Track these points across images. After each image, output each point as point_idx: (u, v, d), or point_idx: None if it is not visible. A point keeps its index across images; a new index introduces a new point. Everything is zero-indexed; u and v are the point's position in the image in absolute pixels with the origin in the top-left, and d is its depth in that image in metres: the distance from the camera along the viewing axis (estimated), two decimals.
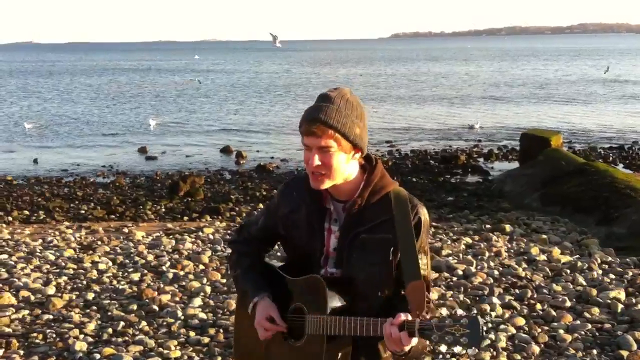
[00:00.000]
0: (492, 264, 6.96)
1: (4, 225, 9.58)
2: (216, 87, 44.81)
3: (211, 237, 8.47)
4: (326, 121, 2.17)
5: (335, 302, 2.22)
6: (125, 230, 9.07)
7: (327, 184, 2.26)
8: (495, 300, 5.74)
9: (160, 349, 4.88)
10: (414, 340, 2.06)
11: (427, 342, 2.10)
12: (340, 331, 2.16)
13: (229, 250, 2.67)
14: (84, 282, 6.46)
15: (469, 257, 7.18)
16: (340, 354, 2.23)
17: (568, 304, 5.69)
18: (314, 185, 2.27)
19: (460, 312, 2.01)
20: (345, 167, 2.25)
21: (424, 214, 2.31)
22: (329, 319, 2.18)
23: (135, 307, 5.73)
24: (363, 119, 2.26)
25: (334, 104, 2.21)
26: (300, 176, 2.44)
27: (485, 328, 1.95)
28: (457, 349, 1.95)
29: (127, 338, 5.09)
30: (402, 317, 2.06)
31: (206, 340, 5.05)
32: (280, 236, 2.47)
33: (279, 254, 5.78)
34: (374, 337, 2.15)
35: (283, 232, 2.44)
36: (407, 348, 2.07)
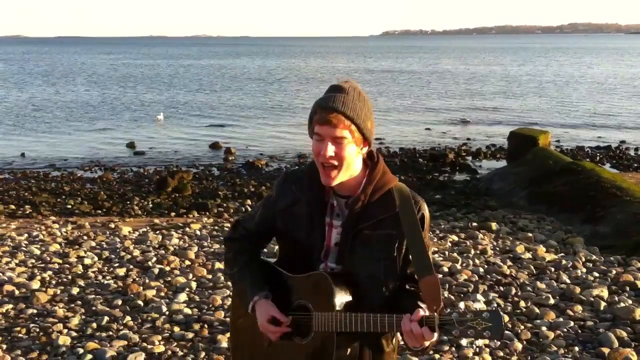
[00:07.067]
0: (477, 261, 6.99)
1: None
2: (207, 79, 44.71)
3: (198, 233, 8.45)
4: (343, 111, 2.13)
5: (343, 298, 2.18)
6: (112, 225, 9.03)
7: (337, 180, 2.21)
8: (479, 297, 5.75)
9: (144, 344, 4.86)
10: (435, 335, 2.04)
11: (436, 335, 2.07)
12: (352, 328, 2.12)
13: (225, 248, 2.58)
14: (69, 277, 6.43)
15: (455, 254, 7.21)
16: (349, 350, 2.20)
17: (551, 301, 5.73)
18: (325, 181, 2.21)
19: (479, 306, 2.03)
20: (354, 161, 2.22)
21: (426, 210, 2.29)
22: (340, 316, 2.14)
23: (120, 302, 5.71)
24: (372, 114, 2.24)
25: (348, 94, 2.17)
26: (299, 169, 2.41)
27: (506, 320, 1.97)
28: (479, 342, 1.97)
29: (111, 333, 5.08)
30: (421, 312, 2.04)
31: (190, 335, 5.04)
32: (277, 230, 2.41)
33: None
34: (380, 332, 2.13)
35: (281, 226, 2.38)
36: (427, 343, 2.05)
